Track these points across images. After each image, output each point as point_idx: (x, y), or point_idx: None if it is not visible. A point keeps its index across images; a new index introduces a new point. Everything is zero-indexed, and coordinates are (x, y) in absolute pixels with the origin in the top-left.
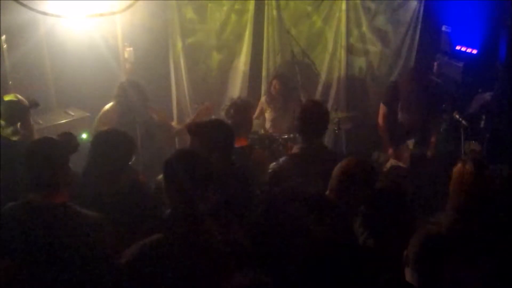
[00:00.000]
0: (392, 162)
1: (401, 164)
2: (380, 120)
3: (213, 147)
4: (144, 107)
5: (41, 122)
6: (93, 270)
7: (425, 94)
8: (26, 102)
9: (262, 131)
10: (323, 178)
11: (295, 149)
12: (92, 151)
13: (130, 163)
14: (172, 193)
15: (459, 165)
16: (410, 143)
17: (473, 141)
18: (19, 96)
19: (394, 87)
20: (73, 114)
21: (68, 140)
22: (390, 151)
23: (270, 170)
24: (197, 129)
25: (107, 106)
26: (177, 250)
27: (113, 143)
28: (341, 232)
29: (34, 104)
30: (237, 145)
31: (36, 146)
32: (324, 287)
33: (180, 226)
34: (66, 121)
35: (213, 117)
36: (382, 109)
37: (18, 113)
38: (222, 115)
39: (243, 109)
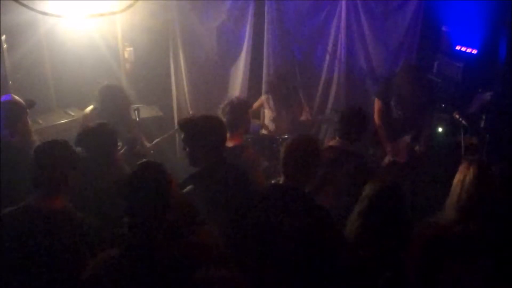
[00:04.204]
0: (389, 158)
1: (398, 159)
2: (376, 115)
3: (204, 143)
4: (127, 111)
5: (41, 122)
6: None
7: (419, 89)
8: (22, 102)
9: (263, 131)
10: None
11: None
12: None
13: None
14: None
15: (464, 165)
16: (407, 138)
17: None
18: (15, 97)
19: (388, 82)
20: (73, 114)
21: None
22: (388, 146)
23: None
24: (187, 124)
25: (88, 109)
26: (133, 265)
27: (95, 136)
28: (313, 220)
29: (31, 104)
30: (230, 143)
31: (47, 147)
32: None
33: (135, 241)
34: (66, 121)
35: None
36: (377, 104)
37: (14, 114)
38: (219, 113)
39: (239, 108)
